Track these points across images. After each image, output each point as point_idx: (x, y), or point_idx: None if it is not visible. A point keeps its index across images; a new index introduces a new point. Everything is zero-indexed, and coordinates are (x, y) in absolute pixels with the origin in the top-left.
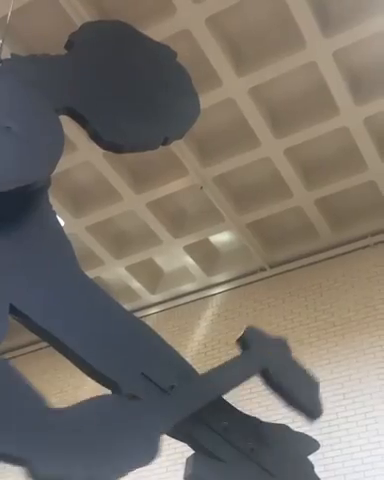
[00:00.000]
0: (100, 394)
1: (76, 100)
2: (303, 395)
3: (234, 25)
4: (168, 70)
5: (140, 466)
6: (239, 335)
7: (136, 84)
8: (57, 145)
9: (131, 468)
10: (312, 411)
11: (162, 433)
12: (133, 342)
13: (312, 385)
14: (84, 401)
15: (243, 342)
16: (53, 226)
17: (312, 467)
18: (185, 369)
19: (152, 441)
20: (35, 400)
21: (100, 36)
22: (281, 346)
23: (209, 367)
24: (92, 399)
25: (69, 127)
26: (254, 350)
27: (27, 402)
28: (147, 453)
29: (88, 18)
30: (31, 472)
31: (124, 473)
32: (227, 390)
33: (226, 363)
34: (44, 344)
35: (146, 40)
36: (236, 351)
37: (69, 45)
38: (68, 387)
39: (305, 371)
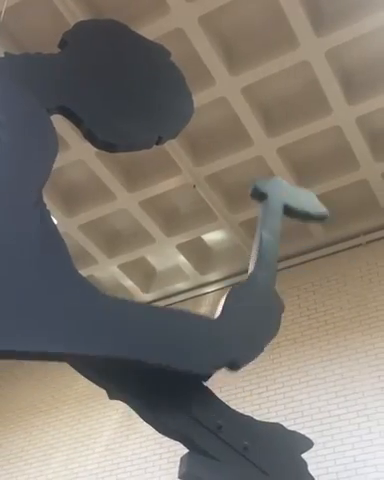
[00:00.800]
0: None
1: (70, 99)
2: (314, 209)
3: (227, 24)
4: (162, 69)
5: None
6: (251, 190)
7: (130, 83)
8: (50, 147)
9: None
10: (324, 216)
11: None
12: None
13: (313, 197)
14: None
15: (259, 194)
16: (47, 225)
17: (305, 465)
18: None
19: None
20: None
21: (94, 35)
22: (283, 181)
23: None
24: None
25: (62, 126)
26: (272, 196)
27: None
28: None
29: (81, 17)
30: None
31: None
32: (278, 240)
33: (263, 219)
34: None
35: (140, 39)
36: None
37: (62, 44)
38: (59, 386)
39: (302, 189)
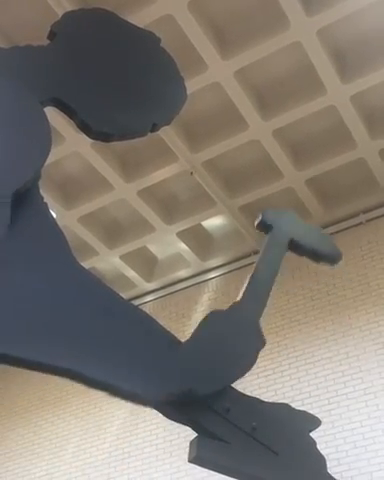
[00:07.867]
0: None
1: (62, 90)
2: (325, 249)
3: (216, 8)
4: (153, 56)
5: None
6: (257, 221)
7: (121, 71)
8: (44, 138)
9: None
10: (336, 257)
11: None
12: (132, 329)
13: (327, 237)
14: None
15: (265, 225)
16: (46, 218)
17: (314, 443)
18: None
19: None
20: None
21: (83, 25)
22: (292, 215)
23: None
24: None
25: (56, 118)
26: (278, 228)
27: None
28: None
29: (69, 7)
30: None
31: None
32: (275, 274)
33: (263, 250)
34: None
35: (129, 26)
36: None
37: (52, 35)
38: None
39: (316, 228)
